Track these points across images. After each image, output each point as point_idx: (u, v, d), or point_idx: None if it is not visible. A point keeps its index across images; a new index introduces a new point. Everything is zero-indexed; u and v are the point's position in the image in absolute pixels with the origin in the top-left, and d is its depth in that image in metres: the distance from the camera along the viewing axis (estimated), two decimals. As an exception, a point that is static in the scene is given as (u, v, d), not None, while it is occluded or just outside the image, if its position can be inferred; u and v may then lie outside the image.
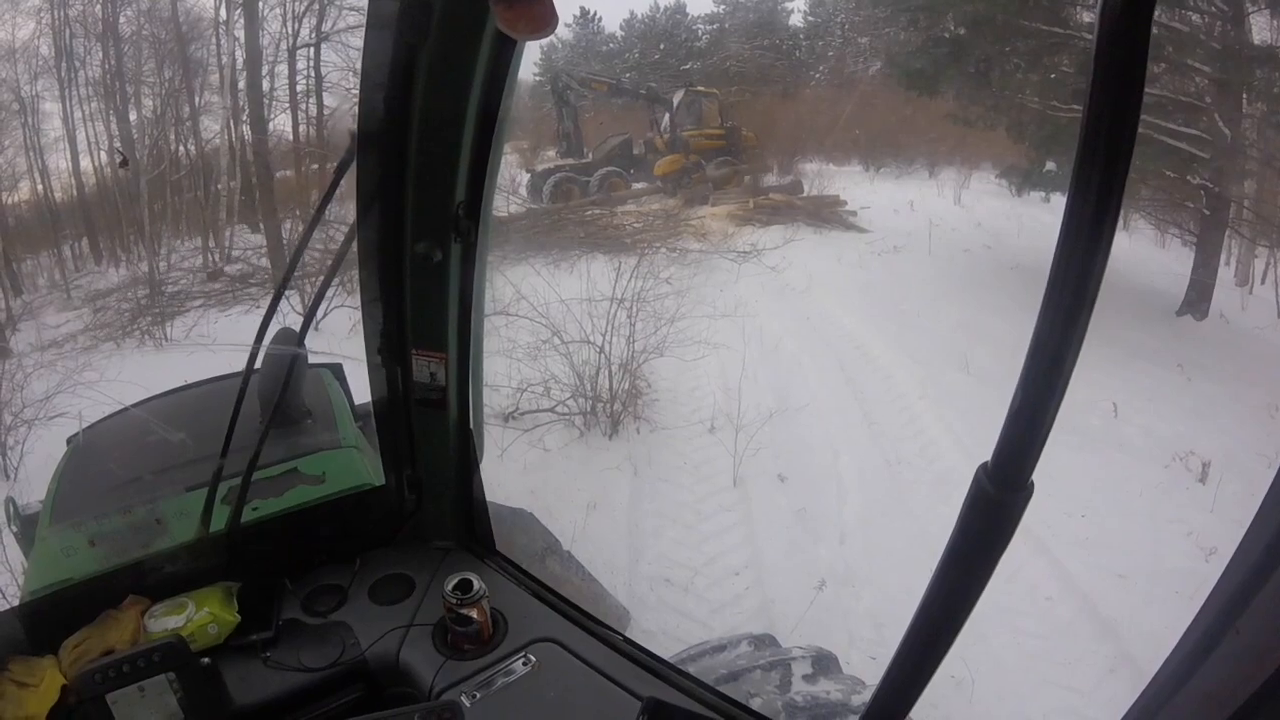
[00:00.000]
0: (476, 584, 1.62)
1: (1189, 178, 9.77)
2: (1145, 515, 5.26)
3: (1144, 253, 11.49)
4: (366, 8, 1.38)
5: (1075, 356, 0.61)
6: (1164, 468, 5.88)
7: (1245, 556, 0.75)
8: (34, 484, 4.61)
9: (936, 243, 11.81)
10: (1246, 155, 9.77)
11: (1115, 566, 4.73)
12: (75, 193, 14.79)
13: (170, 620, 1.64)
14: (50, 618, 1.66)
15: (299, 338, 1.92)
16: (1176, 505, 5.33)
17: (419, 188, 1.53)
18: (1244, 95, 9.53)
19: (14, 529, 3.33)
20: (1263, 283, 10.48)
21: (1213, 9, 9.37)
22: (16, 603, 2.80)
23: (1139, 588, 4.48)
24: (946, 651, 0.74)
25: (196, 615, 1.66)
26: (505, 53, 1.41)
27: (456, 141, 1.48)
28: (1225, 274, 10.29)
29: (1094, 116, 0.57)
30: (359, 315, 1.75)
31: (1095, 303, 0.60)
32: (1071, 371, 0.61)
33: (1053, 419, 0.63)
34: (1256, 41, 9.28)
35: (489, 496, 1.97)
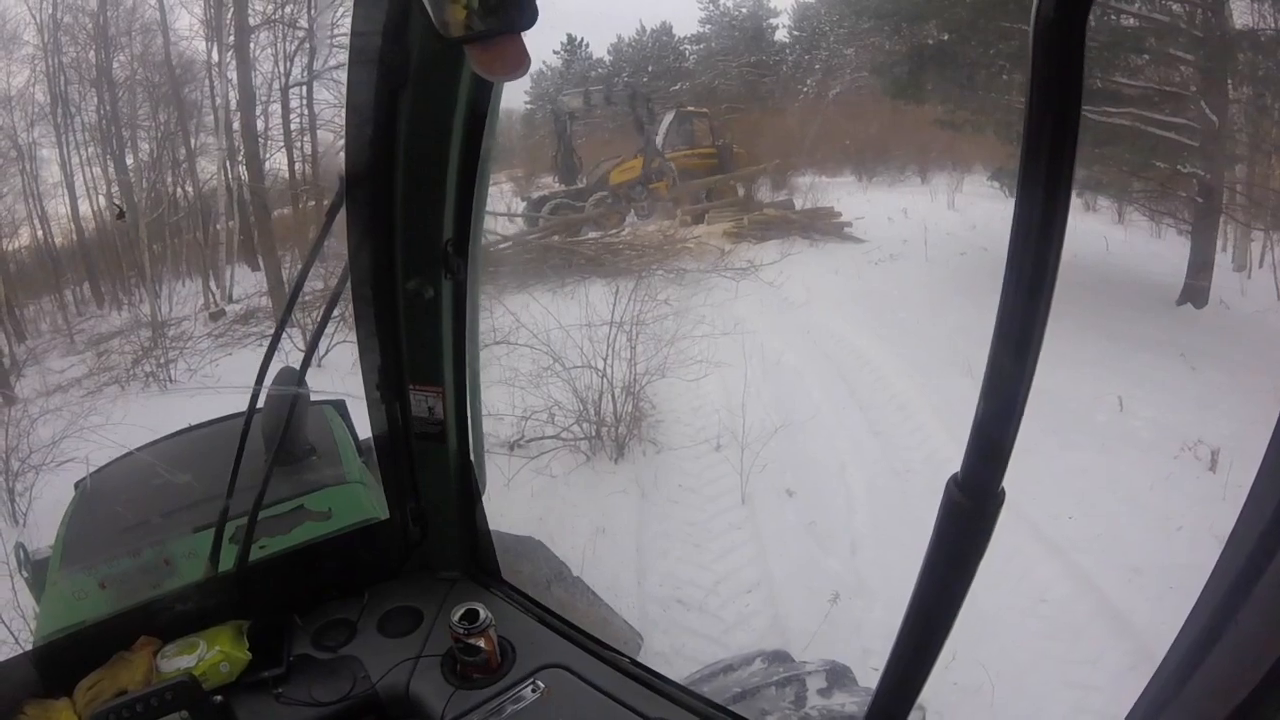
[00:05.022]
0: (483, 613, 1.64)
1: (1179, 167, 9.76)
2: (1156, 507, 5.21)
3: (1140, 245, 11.46)
4: (348, 48, 1.39)
5: (1035, 360, 0.61)
6: (1173, 458, 5.83)
7: (1240, 547, 0.75)
8: (43, 529, 4.61)
9: (932, 248, 11.79)
10: (1235, 140, 9.78)
11: (1129, 561, 4.69)
12: (75, 237, 14.96)
13: (182, 660, 1.66)
14: (64, 660, 1.68)
15: (299, 376, 1.95)
16: (1187, 495, 5.28)
17: (407, 227, 1.55)
18: (1228, 81, 9.54)
19: (25, 574, 3.35)
20: (1260, 266, 10.37)
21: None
22: (30, 647, 2.81)
23: (1154, 581, 4.43)
24: (933, 664, 0.75)
25: (208, 654, 1.67)
26: (484, 92, 1.44)
27: (442, 180, 1.51)
28: (1222, 260, 10.25)
29: (1036, 113, 0.57)
30: (360, 351, 1.77)
31: (1051, 306, 0.59)
32: (1033, 376, 0.61)
33: (1018, 425, 0.63)
34: (1237, 26, 9.30)
35: (496, 526, 1.98)
